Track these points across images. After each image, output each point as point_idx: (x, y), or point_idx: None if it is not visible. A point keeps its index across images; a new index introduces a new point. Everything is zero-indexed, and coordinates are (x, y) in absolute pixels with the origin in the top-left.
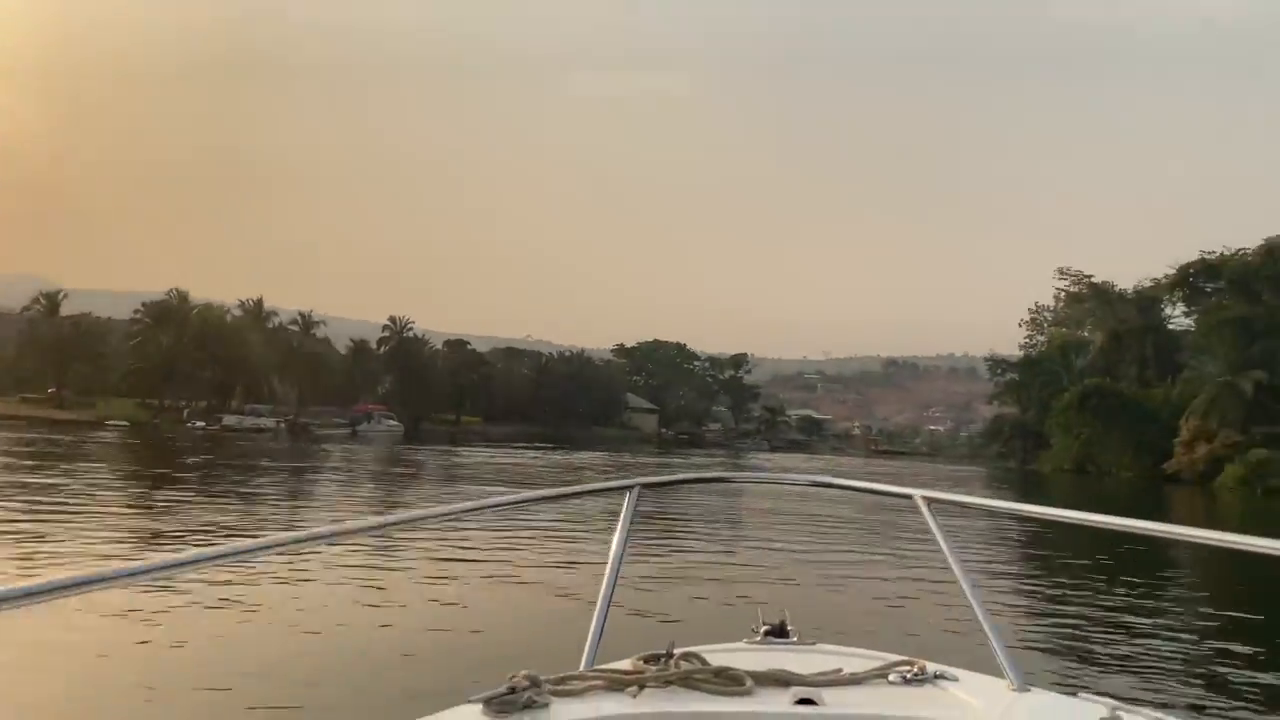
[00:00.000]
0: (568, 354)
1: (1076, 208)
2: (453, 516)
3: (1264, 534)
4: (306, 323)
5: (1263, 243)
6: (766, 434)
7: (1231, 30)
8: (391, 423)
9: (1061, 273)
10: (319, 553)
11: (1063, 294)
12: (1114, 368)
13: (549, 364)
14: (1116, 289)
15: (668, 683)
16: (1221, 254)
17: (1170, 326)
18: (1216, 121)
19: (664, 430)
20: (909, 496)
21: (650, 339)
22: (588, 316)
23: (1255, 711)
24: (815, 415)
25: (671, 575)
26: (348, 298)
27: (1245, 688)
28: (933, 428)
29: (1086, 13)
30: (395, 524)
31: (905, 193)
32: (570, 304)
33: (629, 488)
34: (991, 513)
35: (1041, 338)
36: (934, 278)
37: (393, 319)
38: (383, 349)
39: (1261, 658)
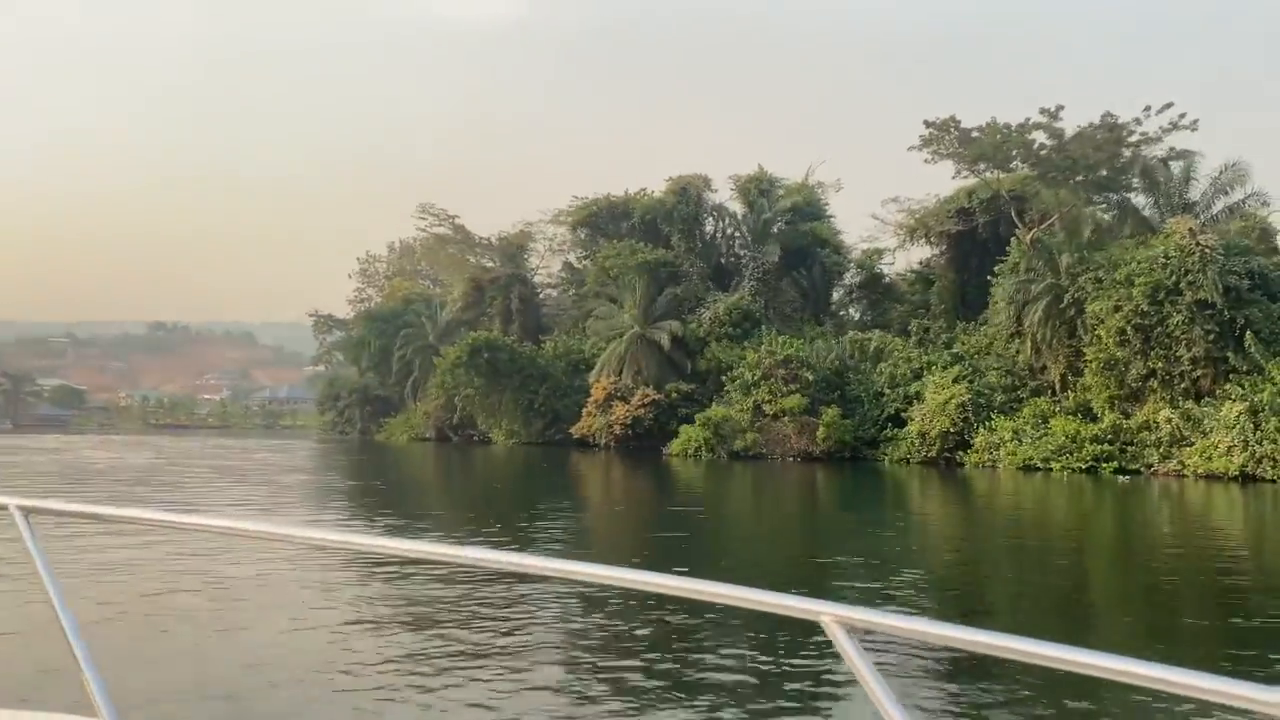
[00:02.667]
0: None
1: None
2: None
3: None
4: None
5: (671, 180)
6: (7, 409)
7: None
8: None
9: (424, 210)
10: None
11: (427, 235)
12: (478, 321)
13: None
14: (481, 236)
15: None
16: (627, 194)
17: (538, 276)
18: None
19: None
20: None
21: None
22: None
23: None
24: (72, 385)
25: None
26: None
27: None
28: (208, 396)
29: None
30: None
31: None
32: None
33: None
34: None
35: (373, 290)
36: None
37: None
38: None
39: None
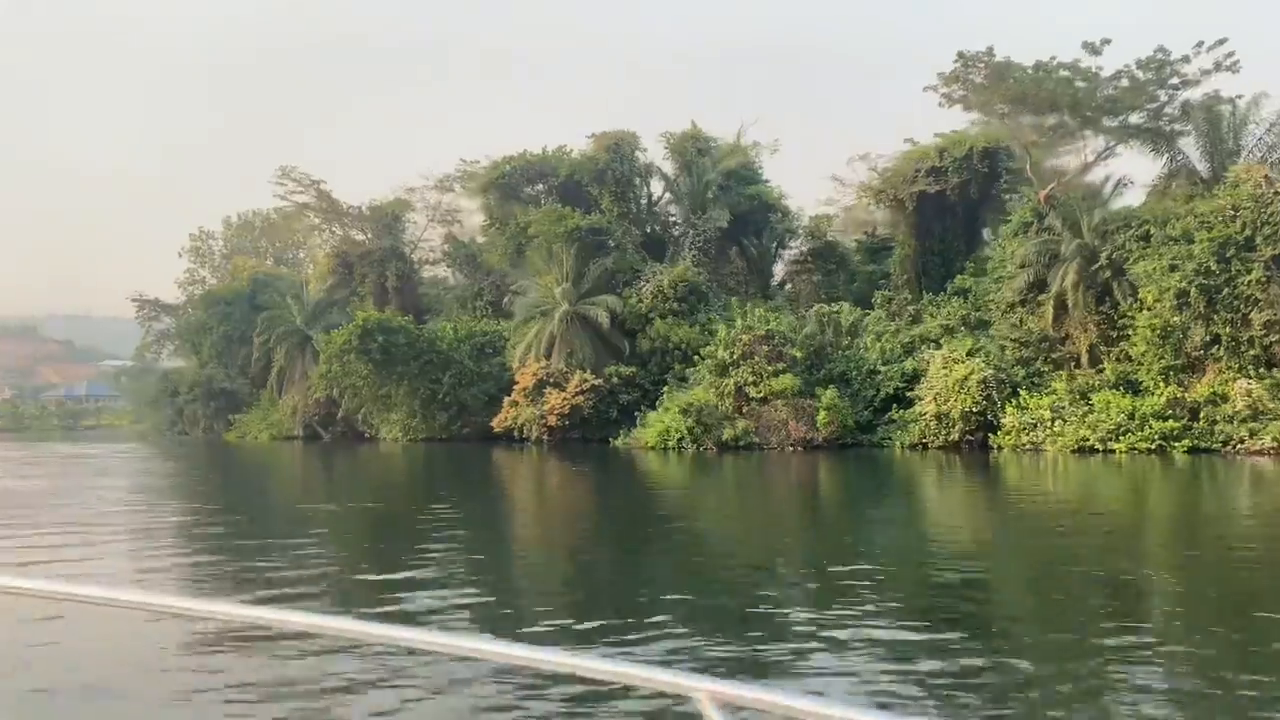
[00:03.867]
0: None
1: None
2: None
3: None
4: None
5: (595, 135)
6: None
7: None
8: None
9: (284, 175)
10: None
11: (288, 204)
12: (348, 302)
13: None
14: (350, 205)
15: None
16: (545, 151)
17: (418, 251)
18: None
19: None
20: None
21: None
22: None
23: None
24: None
25: None
26: None
27: None
28: None
29: None
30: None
31: None
32: None
33: None
34: None
35: (208, 271)
36: None
37: None
38: None
39: None
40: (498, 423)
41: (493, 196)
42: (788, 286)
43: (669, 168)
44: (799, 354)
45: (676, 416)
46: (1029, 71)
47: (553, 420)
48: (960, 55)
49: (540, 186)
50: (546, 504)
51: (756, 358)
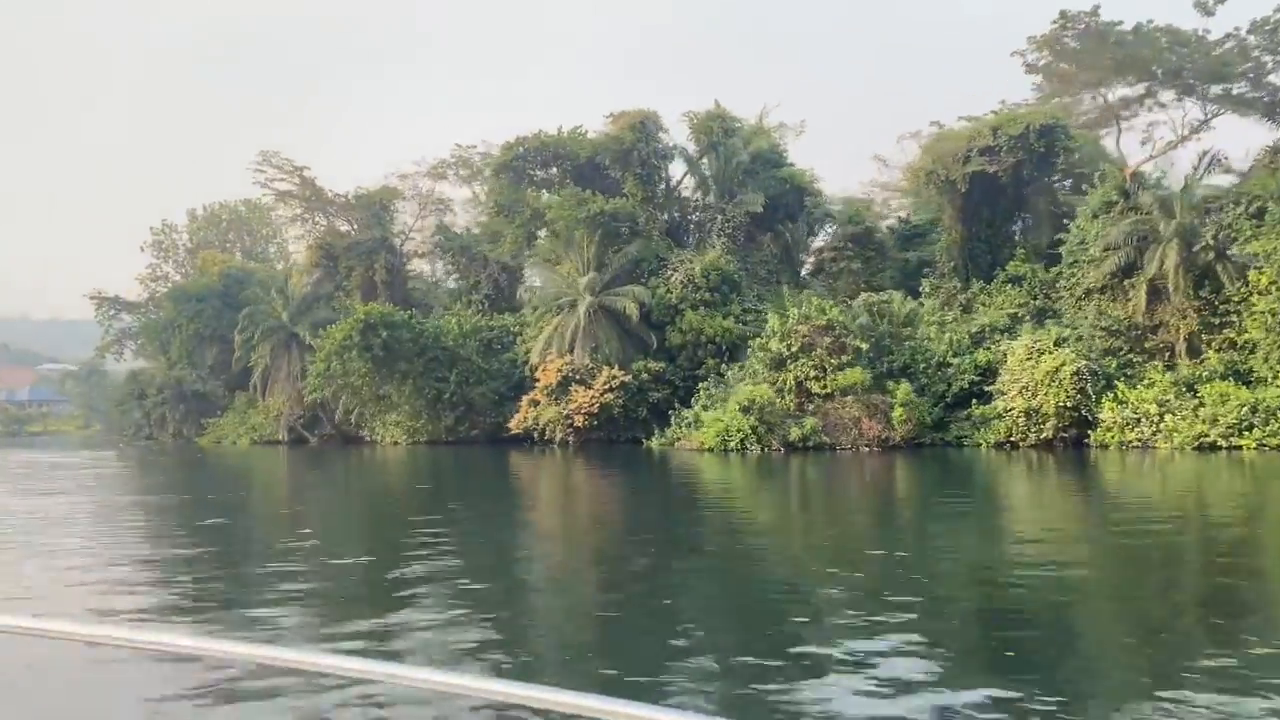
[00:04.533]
0: None
1: None
2: None
3: None
4: None
5: (614, 115)
6: None
7: None
8: None
9: (265, 160)
10: None
11: (268, 191)
12: (334, 297)
13: None
14: (335, 193)
15: None
16: (560, 132)
17: (408, 242)
18: None
19: None
20: None
21: None
22: None
23: None
24: None
25: None
26: None
27: None
28: None
29: None
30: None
31: None
32: None
33: None
34: None
35: (171, 267)
36: None
37: None
38: None
39: None
40: (516, 423)
41: (504, 180)
42: (818, 275)
43: (689, 150)
44: (863, 345)
45: (736, 415)
46: (1129, 35)
47: (579, 420)
48: (1062, 15)
49: (554, 170)
50: (608, 518)
51: (819, 350)
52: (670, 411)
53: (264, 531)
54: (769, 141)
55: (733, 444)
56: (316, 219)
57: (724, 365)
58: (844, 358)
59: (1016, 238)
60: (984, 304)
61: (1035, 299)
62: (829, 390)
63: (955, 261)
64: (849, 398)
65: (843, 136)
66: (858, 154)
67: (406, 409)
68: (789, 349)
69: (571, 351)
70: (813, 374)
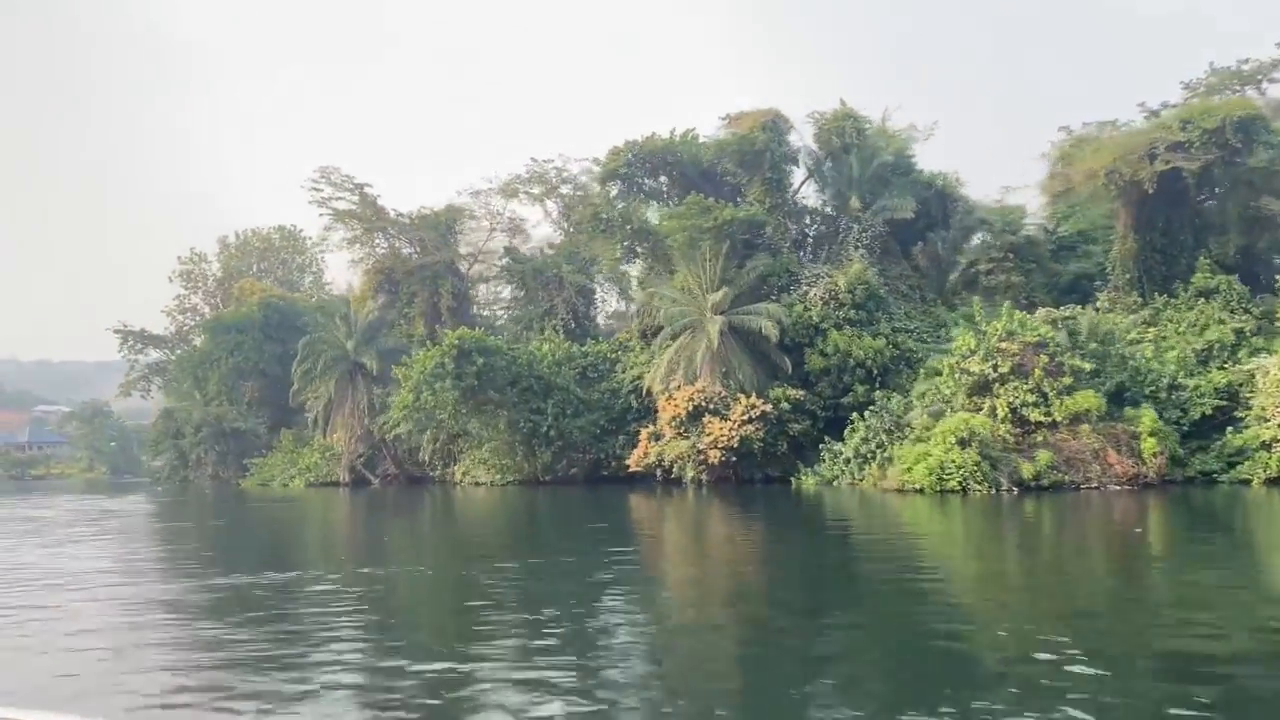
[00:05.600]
0: None
1: None
2: None
3: None
4: None
5: (732, 116)
6: None
7: None
8: None
9: (324, 176)
10: None
11: (326, 210)
12: (396, 324)
13: None
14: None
15: None
16: (673, 135)
17: (475, 266)
18: None
19: None
20: None
21: None
22: None
23: None
24: None
25: None
26: None
27: None
28: None
29: None
30: None
31: None
32: None
33: None
34: None
35: (199, 299)
36: None
37: None
38: None
39: None
40: (636, 460)
41: (611, 189)
42: (968, 289)
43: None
44: (1086, 366)
45: (952, 448)
46: None
47: (713, 455)
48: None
49: (662, 179)
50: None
51: (1035, 371)
52: (819, 445)
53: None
54: (898, 144)
55: (951, 483)
56: (376, 241)
57: (874, 391)
58: (1064, 380)
59: (1196, 245)
60: (1170, 320)
61: (1245, 313)
62: (1054, 418)
63: (1131, 273)
64: (1083, 426)
65: (961, 139)
66: (981, 158)
67: (496, 445)
68: (994, 370)
69: (698, 378)
70: (1031, 399)
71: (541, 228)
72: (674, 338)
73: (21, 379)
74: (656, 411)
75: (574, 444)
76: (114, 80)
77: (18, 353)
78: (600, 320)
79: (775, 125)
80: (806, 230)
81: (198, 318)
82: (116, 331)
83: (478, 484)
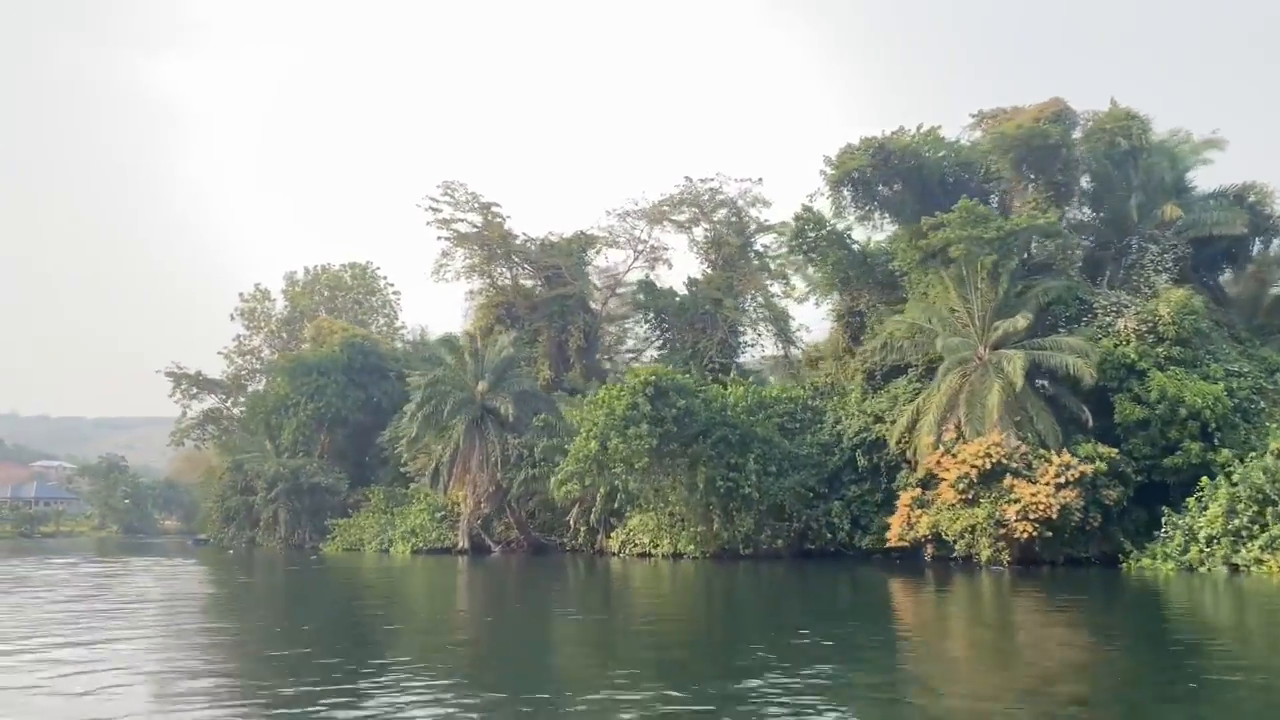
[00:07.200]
0: None
1: None
2: None
3: None
4: None
5: (981, 114)
6: None
7: None
8: None
9: (447, 191)
10: None
11: (447, 232)
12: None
13: None
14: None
15: None
16: (920, 130)
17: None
18: None
19: None
20: None
21: None
22: None
23: None
24: None
25: None
26: None
27: None
28: None
29: None
30: None
31: None
32: None
33: None
34: None
35: (259, 340)
36: None
37: None
38: None
39: None
40: (896, 534)
41: (846, 195)
42: None
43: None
44: None
45: None
46: None
47: (1023, 529)
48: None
49: (897, 186)
50: None
51: None
52: (1162, 516)
53: None
54: (1188, 150)
55: None
56: (498, 270)
57: (1211, 451)
58: None
59: None
60: None
61: None
62: None
63: None
64: None
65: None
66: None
67: (687, 507)
68: None
69: (987, 428)
70: None
71: (682, 258)
72: (943, 376)
73: (21, 433)
74: (901, 470)
75: (777, 510)
76: (107, 138)
77: (18, 407)
78: (747, 364)
79: (1067, 116)
80: (1127, 245)
81: (258, 360)
82: (169, 374)
83: (644, 555)
